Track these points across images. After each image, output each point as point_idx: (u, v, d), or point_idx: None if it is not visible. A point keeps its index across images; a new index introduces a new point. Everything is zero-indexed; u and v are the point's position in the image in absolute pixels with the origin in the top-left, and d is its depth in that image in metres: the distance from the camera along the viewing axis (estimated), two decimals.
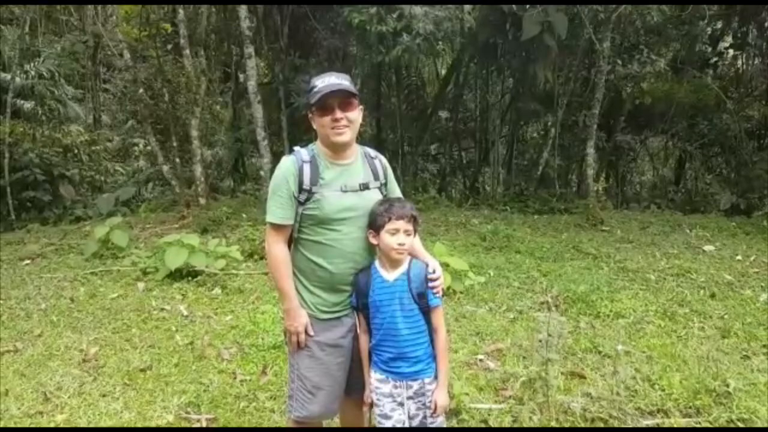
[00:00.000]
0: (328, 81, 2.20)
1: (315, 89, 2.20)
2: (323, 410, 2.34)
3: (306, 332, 2.28)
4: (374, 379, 2.31)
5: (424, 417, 2.29)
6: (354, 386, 2.41)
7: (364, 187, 2.29)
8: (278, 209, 2.23)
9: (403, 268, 2.24)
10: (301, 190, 2.21)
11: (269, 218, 2.26)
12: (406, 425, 2.29)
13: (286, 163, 2.26)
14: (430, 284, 2.23)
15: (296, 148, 2.33)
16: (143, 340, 4.40)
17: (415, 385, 2.26)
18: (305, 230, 2.27)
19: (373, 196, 2.32)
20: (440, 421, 2.32)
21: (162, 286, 5.68)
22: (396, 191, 2.48)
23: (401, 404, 2.28)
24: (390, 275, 2.23)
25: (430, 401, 2.27)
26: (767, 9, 10.59)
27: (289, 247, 2.33)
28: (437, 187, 13.00)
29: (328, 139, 2.23)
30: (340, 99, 2.19)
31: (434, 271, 2.25)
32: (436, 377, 2.29)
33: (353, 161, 2.32)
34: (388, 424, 2.29)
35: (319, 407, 2.32)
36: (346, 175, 2.27)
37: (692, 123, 12.34)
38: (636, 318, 4.75)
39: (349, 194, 2.25)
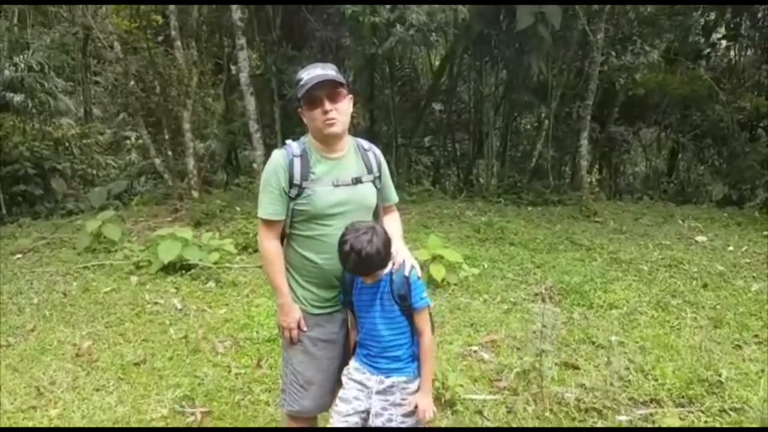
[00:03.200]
0: (313, 73, 2.14)
1: (301, 82, 2.15)
2: (315, 405, 2.34)
3: (299, 327, 2.27)
4: (351, 365, 2.30)
5: (389, 420, 2.21)
6: None
7: (357, 180, 2.25)
8: (269, 204, 2.21)
9: (387, 269, 2.18)
10: (291, 185, 2.17)
11: (260, 214, 2.23)
12: (358, 421, 2.23)
13: (276, 157, 2.22)
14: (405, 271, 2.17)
15: (288, 141, 2.29)
16: (137, 334, 4.38)
17: (387, 381, 2.20)
18: (297, 225, 2.24)
19: (367, 189, 2.29)
20: (411, 423, 2.24)
21: (155, 279, 5.66)
22: (389, 184, 2.45)
23: (368, 397, 2.22)
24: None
25: (404, 400, 2.20)
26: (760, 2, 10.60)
27: (282, 241, 2.31)
28: (431, 179, 12.98)
29: (320, 132, 2.18)
30: (328, 90, 2.14)
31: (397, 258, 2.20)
32: (415, 378, 2.23)
33: (345, 154, 2.27)
34: (343, 407, 2.24)
35: (310, 402, 2.31)
36: (338, 169, 2.23)
37: (685, 114, 12.38)
38: (629, 309, 4.78)
39: (341, 188, 2.21)
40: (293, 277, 2.30)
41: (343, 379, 2.30)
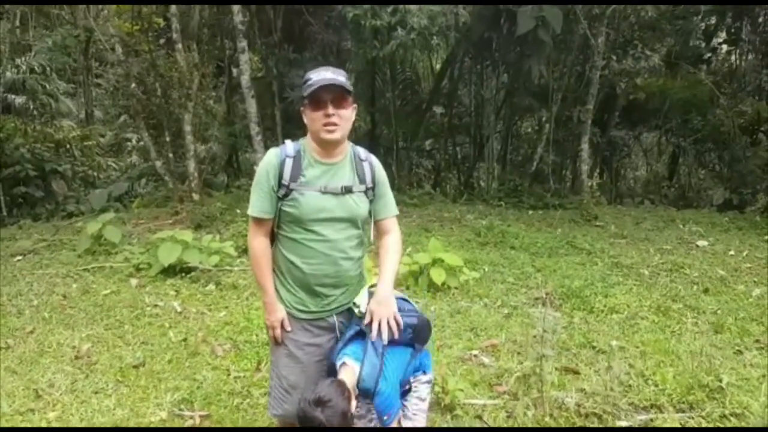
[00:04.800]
0: (323, 75, 2.13)
1: (309, 82, 2.13)
2: None
3: (283, 328, 2.26)
4: None
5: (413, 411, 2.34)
6: None
7: (347, 190, 2.21)
8: (257, 202, 2.21)
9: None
10: (280, 185, 2.17)
11: (249, 211, 2.24)
12: None
13: (270, 155, 2.22)
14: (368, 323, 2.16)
15: (286, 141, 2.28)
16: (136, 337, 4.37)
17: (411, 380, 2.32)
18: (283, 226, 2.23)
19: (356, 200, 2.24)
20: (423, 415, 2.36)
21: (155, 282, 5.65)
22: (385, 197, 2.36)
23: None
24: None
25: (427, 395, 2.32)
26: (761, 5, 10.62)
27: (273, 241, 2.31)
28: (432, 182, 13.01)
29: (318, 135, 2.17)
30: (334, 94, 2.12)
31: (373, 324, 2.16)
32: (426, 373, 2.36)
33: (340, 161, 2.24)
34: None
35: (294, 406, 2.26)
36: (329, 175, 2.21)
37: (686, 118, 12.39)
38: (630, 313, 4.77)
39: (329, 196, 2.19)
40: (279, 280, 2.29)
41: None
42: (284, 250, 2.25)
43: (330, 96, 2.12)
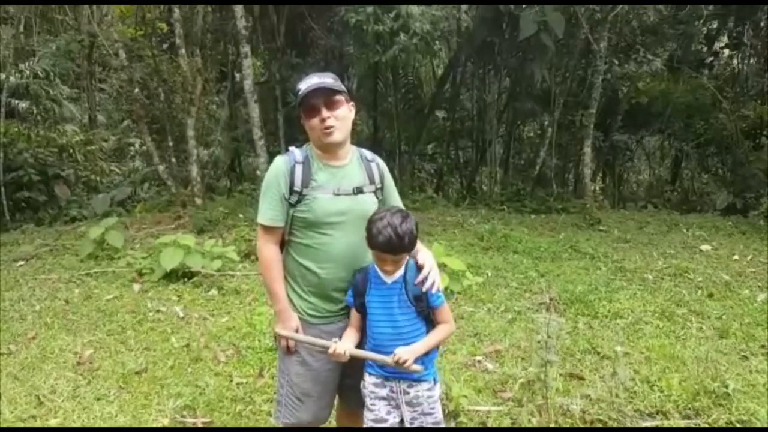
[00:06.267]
0: (309, 82, 2.15)
1: (300, 92, 2.16)
2: (312, 417, 2.29)
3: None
4: (369, 382, 2.25)
5: (421, 424, 2.23)
6: (352, 399, 2.36)
7: (358, 190, 2.23)
8: (268, 210, 2.19)
9: (401, 270, 2.17)
10: (291, 191, 2.16)
11: (259, 219, 2.22)
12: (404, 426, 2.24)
13: (278, 163, 2.22)
14: (423, 285, 2.14)
15: (291, 147, 2.28)
16: (138, 342, 4.36)
17: (412, 391, 2.19)
18: (296, 233, 2.22)
19: (367, 200, 2.26)
20: (437, 418, 2.27)
21: (158, 287, 5.64)
22: (393, 195, 2.42)
23: (397, 407, 2.22)
24: (388, 278, 2.18)
25: (432, 409, 2.21)
26: (762, 9, 10.61)
27: (282, 249, 2.29)
28: (434, 186, 12.99)
29: (320, 140, 2.18)
30: (324, 98, 2.14)
31: (423, 271, 2.16)
32: (436, 383, 2.24)
33: (348, 163, 2.26)
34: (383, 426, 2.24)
35: (307, 414, 2.27)
36: (339, 177, 2.22)
37: (688, 122, 12.38)
38: (634, 318, 4.74)
39: (342, 197, 2.19)
40: (291, 287, 2.27)
41: (367, 400, 2.25)
42: (297, 256, 2.24)
43: (321, 100, 2.13)
